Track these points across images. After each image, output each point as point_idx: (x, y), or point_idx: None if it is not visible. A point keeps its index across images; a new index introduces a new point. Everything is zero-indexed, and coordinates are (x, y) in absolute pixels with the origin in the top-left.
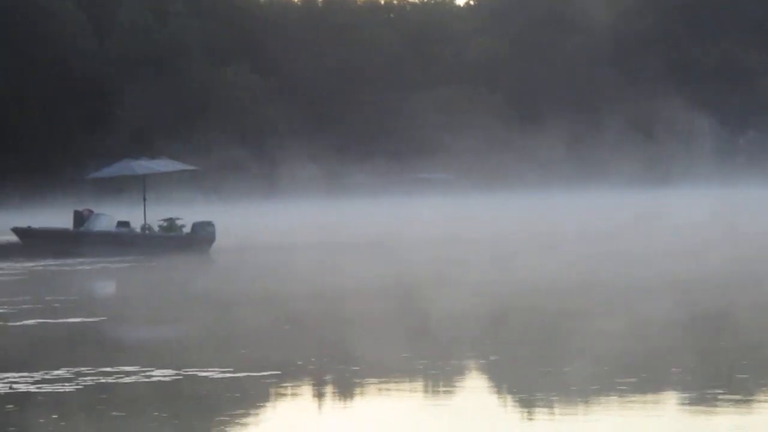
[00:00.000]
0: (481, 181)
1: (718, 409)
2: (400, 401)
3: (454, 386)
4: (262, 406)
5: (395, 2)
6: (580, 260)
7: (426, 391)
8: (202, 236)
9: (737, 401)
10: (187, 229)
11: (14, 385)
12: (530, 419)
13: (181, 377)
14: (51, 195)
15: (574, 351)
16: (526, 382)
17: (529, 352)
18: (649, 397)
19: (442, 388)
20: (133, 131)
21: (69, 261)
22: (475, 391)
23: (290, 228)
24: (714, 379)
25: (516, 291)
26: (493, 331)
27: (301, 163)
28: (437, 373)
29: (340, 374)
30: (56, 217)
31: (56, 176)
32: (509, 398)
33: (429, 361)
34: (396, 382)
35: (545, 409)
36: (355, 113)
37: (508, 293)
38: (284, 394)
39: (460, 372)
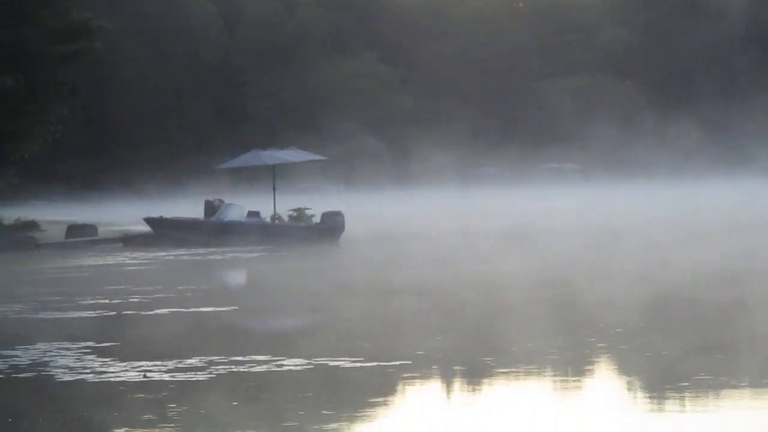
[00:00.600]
0: (614, 170)
1: None
2: (532, 392)
3: (592, 377)
4: (388, 396)
5: None
6: (731, 250)
7: (563, 382)
8: (331, 226)
9: None
10: (316, 219)
11: (148, 374)
12: (665, 411)
13: (311, 366)
14: (185, 185)
15: (729, 341)
16: (674, 373)
17: (680, 344)
18: None
19: (578, 380)
20: (263, 121)
21: (200, 251)
22: (612, 383)
23: (422, 217)
24: None
25: (669, 281)
26: (645, 322)
27: (431, 152)
28: (579, 364)
29: (471, 364)
30: (190, 207)
31: (189, 167)
32: (653, 390)
33: (572, 352)
34: (532, 372)
35: (688, 402)
36: (485, 102)
37: (660, 283)
38: (411, 385)
39: (600, 363)
